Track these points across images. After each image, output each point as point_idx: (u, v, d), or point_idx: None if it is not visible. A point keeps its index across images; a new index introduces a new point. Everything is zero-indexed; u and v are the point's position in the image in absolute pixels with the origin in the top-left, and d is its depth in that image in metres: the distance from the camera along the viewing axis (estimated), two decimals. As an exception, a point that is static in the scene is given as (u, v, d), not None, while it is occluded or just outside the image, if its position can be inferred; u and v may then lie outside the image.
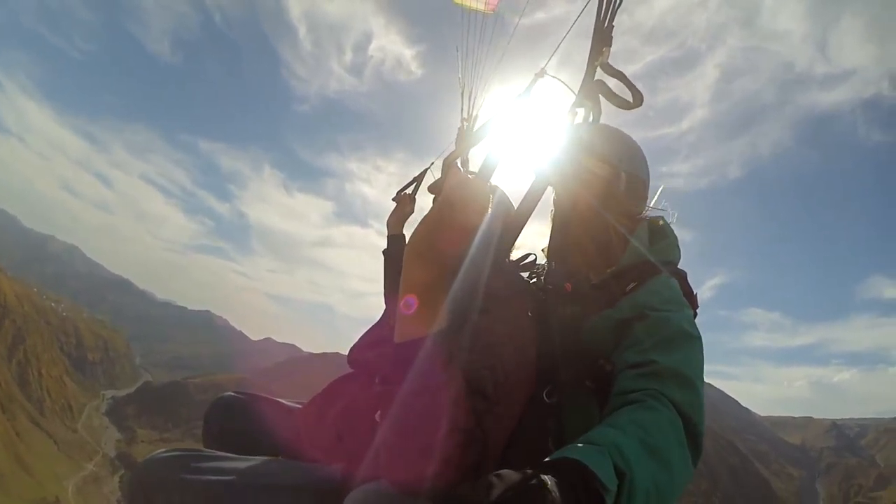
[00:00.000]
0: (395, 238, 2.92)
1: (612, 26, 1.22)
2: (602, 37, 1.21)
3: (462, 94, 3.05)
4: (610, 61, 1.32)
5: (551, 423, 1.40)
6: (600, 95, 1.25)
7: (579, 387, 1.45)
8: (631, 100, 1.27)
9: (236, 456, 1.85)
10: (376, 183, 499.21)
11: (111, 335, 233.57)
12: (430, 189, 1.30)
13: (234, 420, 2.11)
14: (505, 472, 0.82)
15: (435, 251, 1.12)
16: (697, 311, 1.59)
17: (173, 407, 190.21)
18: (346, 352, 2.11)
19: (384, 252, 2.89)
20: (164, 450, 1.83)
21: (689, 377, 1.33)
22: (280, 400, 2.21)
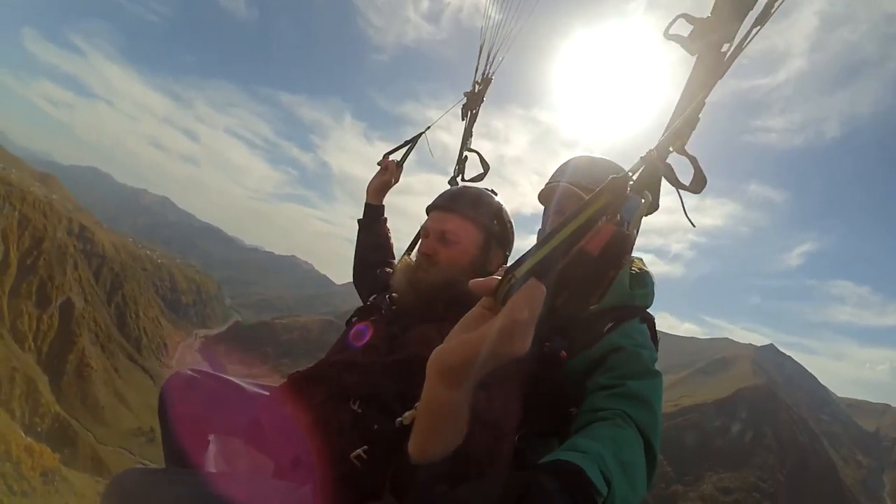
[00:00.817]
0: (371, 209, 2.77)
1: (703, 104, 1.12)
2: (691, 122, 1.12)
3: (480, 50, 2.79)
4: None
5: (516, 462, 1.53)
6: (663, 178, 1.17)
7: (547, 434, 1.63)
8: (690, 184, 1.19)
9: (210, 475, 1.84)
10: (456, 131, 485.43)
11: (203, 279, 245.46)
12: (477, 288, 0.94)
13: (191, 402, 2.00)
14: (506, 472, 0.80)
15: (479, 376, 0.91)
16: (657, 351, 1.75)
17: (261, 345, 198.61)
18: None
19: (358, 221, 2.76)
20: (137, 469, 1.76)
21: (652, 403, 1.45)
22: (240, 383, 2.12)
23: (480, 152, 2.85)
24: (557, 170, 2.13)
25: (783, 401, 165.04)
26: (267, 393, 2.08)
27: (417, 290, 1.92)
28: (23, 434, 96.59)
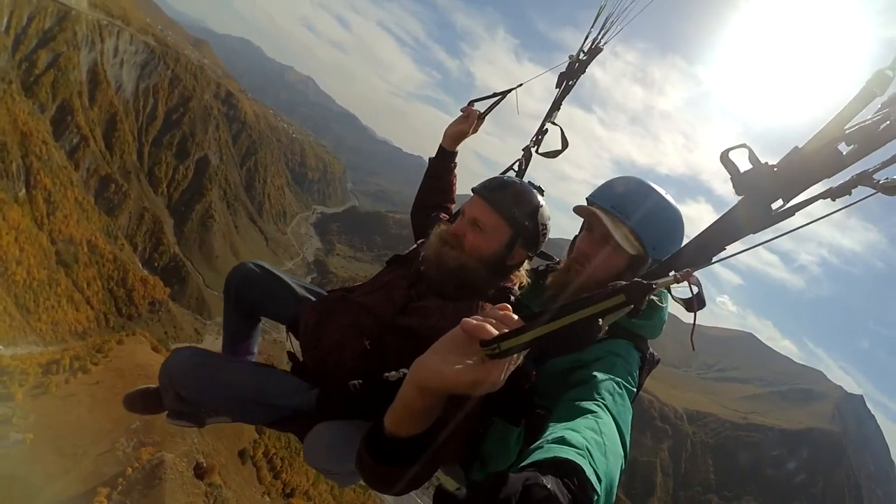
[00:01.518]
0: (444, 153, 2.76)
1: (722, 249, 1.08)
2: (703, 257, 1.09)
3: (598, 14, 2.59)
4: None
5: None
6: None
7: (511, 423, 1.82)
8: (685, 302, 1.23)
9: (244, 369, 2.31)
10: (610, 69, 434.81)
11: (331, 160, 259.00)
12: (468, 330, 1.01)
13: (250, 290, 2.39)
14: (505, 472, 0.83)
15: (443, 397, 1.08)
16: (637, 391, 1.75)
17: (371, 233, 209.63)
18: None
19: (429, 160, 2.80)
20: (189, 350, 2.19)
21: (623, 397, 1.52)
22: (292, 283, 2.42)
23: (563, 128, 2.67)
24: (616, 191, 2.01)
25: (848, 458, 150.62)
26: (312, 298, 2.38)
27: (439, 265, 2.04)
28: (140, 266, 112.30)
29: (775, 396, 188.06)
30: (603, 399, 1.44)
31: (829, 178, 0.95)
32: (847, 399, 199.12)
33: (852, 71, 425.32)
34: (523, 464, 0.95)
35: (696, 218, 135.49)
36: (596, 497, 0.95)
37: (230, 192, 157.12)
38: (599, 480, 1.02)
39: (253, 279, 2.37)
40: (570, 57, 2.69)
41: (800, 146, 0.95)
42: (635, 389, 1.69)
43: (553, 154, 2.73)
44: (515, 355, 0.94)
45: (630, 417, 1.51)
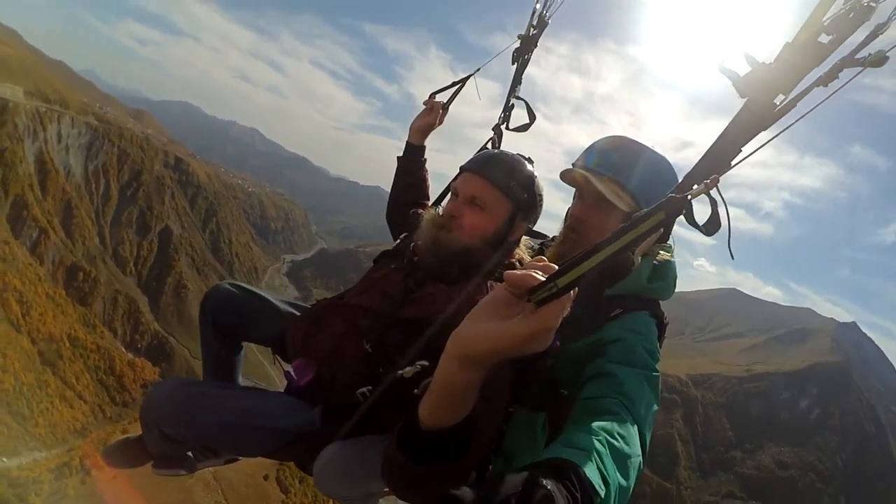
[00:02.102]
0: (412, 148, 2.74)
1: (739, 151, 1.13)
2: (721, 165, 1.13)
3: None
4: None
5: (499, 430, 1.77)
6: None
7: (535, 409, 1.74)
8: (704, 224, 1.18)
9: (236, 392, 2.10)
10: (545, 65, 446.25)
11: (290, 207, 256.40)
12: (512, 282, 0.93)
13: (227, 313, 2.24)
14: (506, 472, 0.83)
15: (489, 365, 0.98)
16: (659, 355, 1.70)
17: (345, 271, 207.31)
18: None
19: (398, 159, 2.76)
20: (173, 381, 1.99)
21: (648, 395, 1.45)
22: (273, 301, 2.30)
23: (528, 101, 2.72)
24: (598, 150, 1.96)
25: (856, 384, 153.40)
26: (297, 313, 2.25)
27: (437, 251, 1.92)
28: (124, 350, 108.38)
29: (772, 342, 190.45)
30: (624, 397, 1.38)
31: (817, 66, 1.05)
32: (841, 328, 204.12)
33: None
34: (525, 464, 0.93)
35: None
36: (598, 500, 0.93)
37: (198, 258, 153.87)
38: (606, 483, 0.99)
39: (230, 300, 2.23)
40: (519, 35, 2.76)
41: (790, 41, 1.06)
42: (658, 357, 1.65)
43: (523, 128, 2.76)
44: (567, 302, 0.88)
45: (654, 410, 1.46)
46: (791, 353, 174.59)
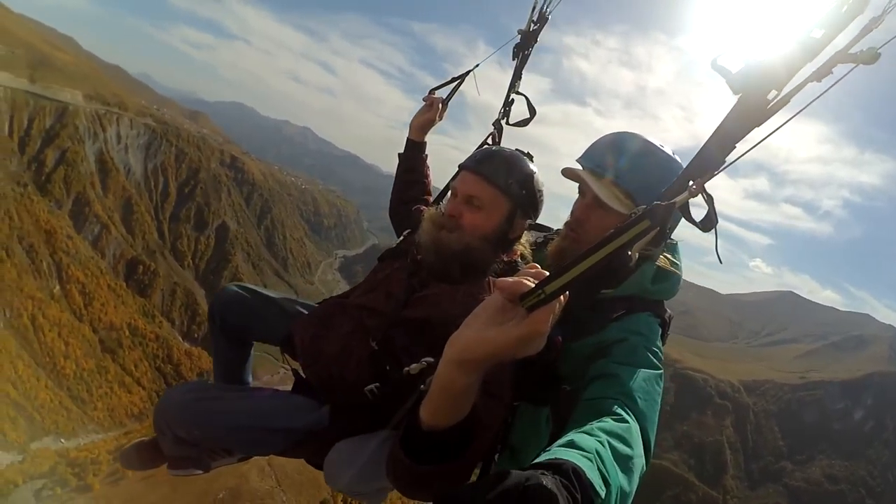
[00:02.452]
0: (413, 145, 2.75)
1: (732, 147, 1.13)
2: (716, 162, 1.14)
3: None
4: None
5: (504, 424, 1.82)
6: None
7: (539, 403, 1.78)
8: (701, 221, 1.21)
9: (245, 394, 2.14)
10: (594, 58, 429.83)
11: (343, 204, 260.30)
12: (503, 290, 0.99)
13: (235, 314, 2.27)
14: (506, 471, 0.83)
15: (485, 368, 1.04)
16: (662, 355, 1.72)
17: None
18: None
19: (399, 155, 2.78)
20: (184, 385, 2.09)
21: (651, 395, 1.45)
22: (281, 301, 2.32)
23: (528, 96, 2.74)
24: (598, 148, 1.94)
25: None
26: (305, 312, 2.27)
27: (438, 250, 1.92)
28: (182, 340, 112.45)
29: (828, 349, 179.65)
30: (626, 398, 1.38)
31: (810, 61, 1.04)
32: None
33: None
34: (526, 465, 0.94)
35: (712, 187, 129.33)
36: (599, 500, 0.94)
37: (253, 253, 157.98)
38: (606, 484, 1.00)
39: (237, 301, 2.27)
40: (519, 31, 2.78)
41: (783, 36, 1.06)
42: (661, 357, 1.65)
43: (523, 123, 2.75)
44: (557, 306, 0.93)
45: (658, 410, 1.46)
46: (847, 361, 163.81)
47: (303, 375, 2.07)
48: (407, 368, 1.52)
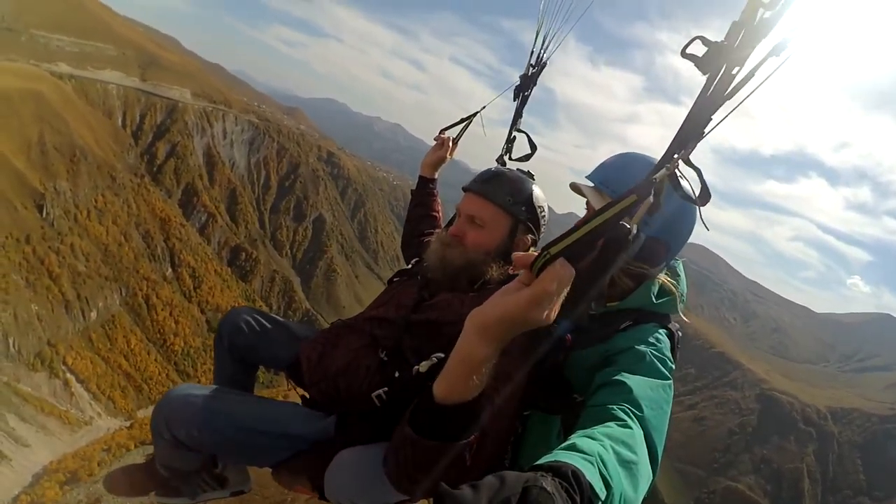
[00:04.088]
0: (424, 181, 2.85)
1: (709, 119, 1.20)
2: (695, 134, 1.20)
3: (537, 33, 2.79)
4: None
5: (517, 432, 1.82)
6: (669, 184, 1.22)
7: (550, 412, 1.79)
8: (696, 197, 1.28)
9: (250, 398, 2.10)
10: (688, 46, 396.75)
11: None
12: (517, 260, 1.11)
13: (242, 336, 2.24)
14: (506, 473, 0.83)
15: (509, 337, 1.10)
16: (674, 366, 1.73)
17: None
18: None
19: (411, 192, 2.90)
20: (187, 385, 1.99)
21: (657, 401, 1.45)
22: (289, 324, 2.32)
23: (529, 133, 2.87)
24: (604, 166, 1.99)
25: None
26: (310, 335, 2.24)
27: (444, 267, 1.98)
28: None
29: None
30: (632, 405, 1.38)
31: (764, 38, 1.13)
32: None
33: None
34: (526, 467, 0.94)
35: (811, 196, 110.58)
36: (599, 502, 0.94)
37: (346, 245, 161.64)
38: (608, 487, 1.00)
39: (247, 324, 2.26)
40: (520, 76, 2.93)
41: (736, 20, 1.16)
42: (672, 368, 1.65)
43: (525, 158, 2.82)
44: (565, 283, 1.01)
45: (666, 418, 1.46)
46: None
47: (308, 397, 2.06)
48: (416, 367, 1.53)
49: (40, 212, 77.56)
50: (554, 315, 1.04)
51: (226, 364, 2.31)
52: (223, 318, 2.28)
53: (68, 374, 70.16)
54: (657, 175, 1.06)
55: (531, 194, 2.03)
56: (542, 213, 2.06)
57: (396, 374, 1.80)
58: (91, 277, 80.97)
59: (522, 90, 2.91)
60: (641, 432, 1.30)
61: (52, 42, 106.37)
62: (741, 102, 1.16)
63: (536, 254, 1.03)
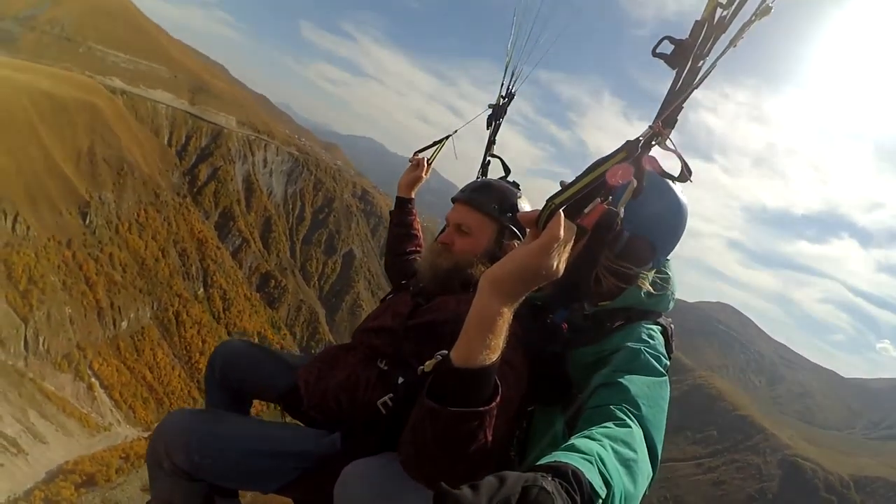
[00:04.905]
0: (402, 201, 2.88)
1: (681, 108, 1.35)
2: (670, 120, 1.33)
3: (506, 67, 2.98)
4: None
5: (521, 430, 1.82)
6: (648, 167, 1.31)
7: (551, 403, 1.78)
8: (678, 175, 1.45)
9: (251, 419, 2.08)
10: (723, 112, 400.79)
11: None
12: (523, 218, 1.19)
13: (235, 369, 2.20)
14: (506, 473, 0.82)
15: (521, 293, 1.12)
16: (669, 361, 1.72)
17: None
18: None
19: (390, 213, 2.93)
20: (186, 409, 1.97)
21: (654, 399, 1.45)
22: (281, 354, 2.30)
23: (503, 158, 2.99)
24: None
25: None
26: (305, 362, 2.19)
27: (435, 275, 2.00)
28: (299, 352, 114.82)
29: None
30: (629, 404, 1.39)
31: (723, 32, 1.33)
32: None
33: None
34: (527, 468, 0.94)
35: (843, 257, 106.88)
36: (600, 501, 0.94)
37: (374, 281, 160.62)
38: (608, 486, 1.00)
39: (240, 355, 2.23)
40: (490, 105, 3.12)
41: (698, 19, 1.35)
42: (667, 364, 1.66)
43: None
44: (568, 233, 1.08)
45: (664, 415, 1.46)
46: None
47: (306, 424, 2.03)
48: (421, 367, 1.50)
49: (83, 219, 79.56)
50: (562, 267, 1.07)
51: (216, 397, 2.23)
52: (215, 350, 2.23)
53: (93, 379, 70.14)
54: (641, 134, 1.16)
55: (514, 201, 2.07)
56: None
57: (400, 380, 1.78)
58: (126, 288, 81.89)
59: (494, 118, 3.06)
60: (641, 431, 1.30)
61: (108, 57, 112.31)
62: (702, 80, 1.35)
63: (541, 209, 1.08)
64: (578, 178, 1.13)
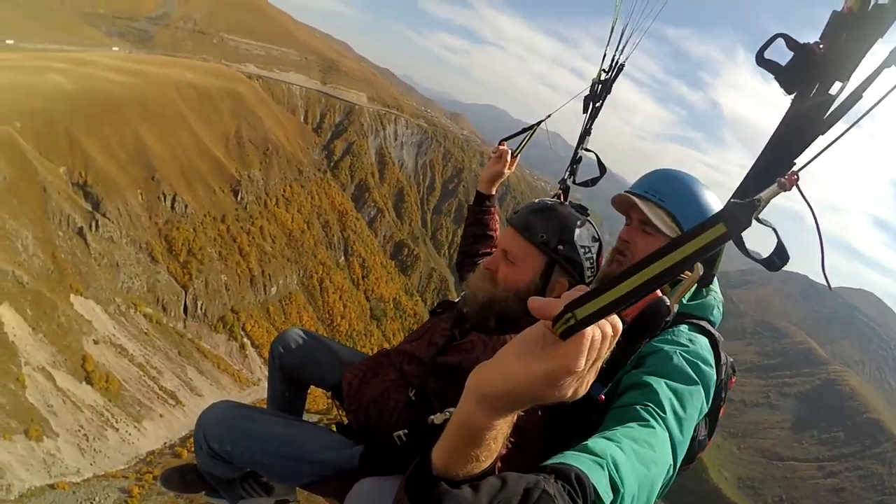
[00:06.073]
0: (481, 198, 2.58)
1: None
2: (785, 167, 0.78)
3: (611, 31, 2.43)
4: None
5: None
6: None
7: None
8: (767, 258, 0.93)
9: (283, 421, 2.06)
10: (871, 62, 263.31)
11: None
12: (535, 309, 0.78)
13: (293, 355, 2.28)
14: (507, 474, 0.77)
15: (519, 409, 0.82)
16: (723, 379, 1.57)
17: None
18: None
19: (468, 208, 2.68)
20: (226, 404, 2.04)
21: (684, 403, 1.35)
22: (337, 348, 2.33)
23: (598, 153, 2.50)
24: (646, 178, 1.90)
25: None
26: (356, 360, 2.21)
27: (475, 300, 1.85)
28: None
29: None
30: (656, 405, 1.29)
31: (881, 37, 0.75)
32: None
33: None
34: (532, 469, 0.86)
35: None
36: None
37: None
38: (615, 491, 0.92)
39: (298, 344, 2.29)
40: (593, 80, 2.51)
41: (837, 9, 0.78)
42: (708, 372, 1.49)
43: (591, 182, 2.48)
44: (602, 348, 0.72)
45: (693, 420, 1.36)
46: None
47: (346, 420, 2.04)
48: (431, 417, 1.42)
49: (235, 196, 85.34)
50: (582, 392, 0.76)
51: (277, 381, 2.35)
52: (275, 338, 2.30)
53: (245, 339, 75.47)
54: (762, 195, 0.67)
55: (573, 231, 1.78)
56: (588, 255, 1.80)
57: (418, 419, 1.72)
58: (275, 257, 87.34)
59: (593, 100, 2.51)
60: (665, 433, 1.23)
61: (241, 46, 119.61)
62: (843, 134, 0.76)
63: (561, 303, 0.71)
64: (613, 283, 0.68)
